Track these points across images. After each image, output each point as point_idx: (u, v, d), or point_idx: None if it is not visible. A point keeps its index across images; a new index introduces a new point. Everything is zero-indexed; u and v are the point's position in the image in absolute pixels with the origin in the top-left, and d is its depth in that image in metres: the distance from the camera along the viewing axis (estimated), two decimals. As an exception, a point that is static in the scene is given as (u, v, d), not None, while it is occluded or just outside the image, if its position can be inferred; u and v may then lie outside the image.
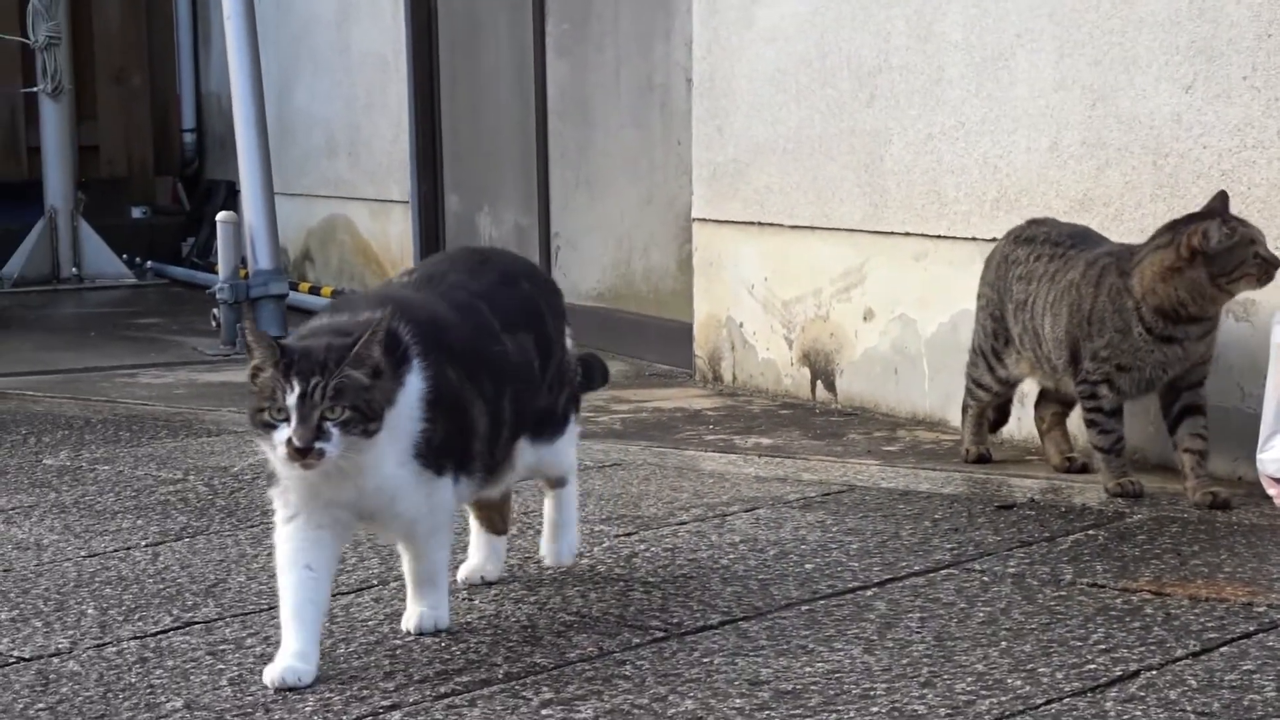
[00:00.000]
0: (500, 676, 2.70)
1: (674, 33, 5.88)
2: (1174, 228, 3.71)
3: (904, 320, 4.85)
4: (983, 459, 4.23)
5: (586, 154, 6.51)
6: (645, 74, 6.11)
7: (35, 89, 9.49)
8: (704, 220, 5.61)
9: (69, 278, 9.32)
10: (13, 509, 3.95)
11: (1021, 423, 4.38)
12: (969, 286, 4.50)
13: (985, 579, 3.18)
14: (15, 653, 2.89)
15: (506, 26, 7.03)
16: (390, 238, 7.93)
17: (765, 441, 4.66)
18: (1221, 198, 3.69)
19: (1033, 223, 4.11)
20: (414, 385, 2.74)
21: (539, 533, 3.29)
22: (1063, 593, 3.07)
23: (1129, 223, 4.07)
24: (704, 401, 5.33)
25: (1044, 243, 3.99)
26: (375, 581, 3.25)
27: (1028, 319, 3.97)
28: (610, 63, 6.32)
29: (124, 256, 9.53)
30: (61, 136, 9.49)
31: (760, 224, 5.35)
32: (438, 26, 7.58)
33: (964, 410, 4.27)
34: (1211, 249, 3.62)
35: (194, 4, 10.45)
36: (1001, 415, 4.32)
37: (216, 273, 6.93)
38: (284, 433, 2.61)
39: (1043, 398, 4.15)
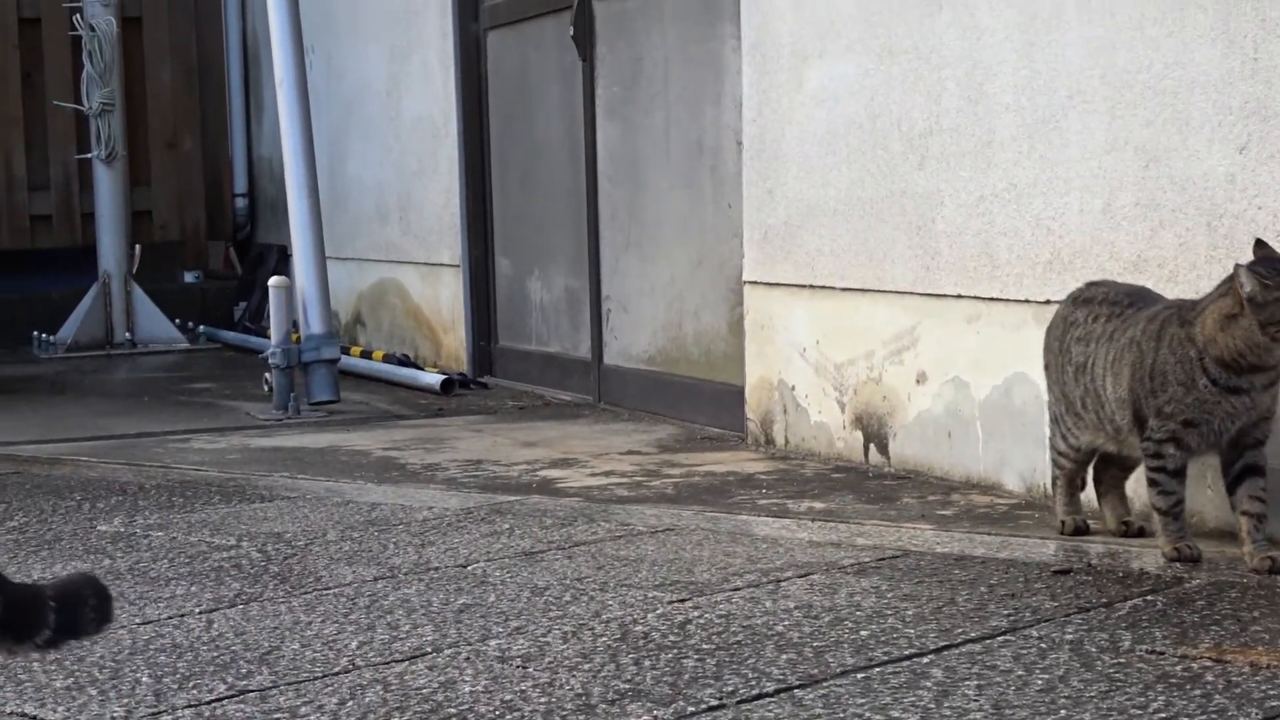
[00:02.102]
0: (555, 746, 2.69)
1: (724, 96, 5.89)
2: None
3: (957, 383, 4.83)
4: (1080, 530, 4.09)
5: (637, 217, 6.52)
6: (695, 137, 6.12)
7: (89, 155, 9.58)
8: (755, 283, 5.60)
9: (122, 343, 9.39)
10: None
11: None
12: (1022, 349, 4.48)
13: (1043, 645, 3.15)
14: (70, 722, 2.89)
15: (556, 91, 7.06)
16: (441, 301, 7.95)
17: (818, 506, 4.64)
18: (1259, 245, 3.67)
19: (1091, 284, 4.08)
20: None
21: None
22: (1121, 660, 3.04)
23: (1184, 284, 4.05)
24: (756, 465, 5.31)
25: (1102, 303, 3.95)
26: (429, 649, 3.24)
27: (1088, 381, 3.93)
28: (660, 126, 6.33)
29: (177, 321, 9.59)
30: (115, 202, 9.58)
31: (812, 286, 5.34)
32: (488, 92, 7.62)
33: (1053, 482, 4.19)
34: (1260, 298, 3.59)
35: (246, 70, 10.55)
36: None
37: (269, 337, 6.96)
38: None
39: (1101, 461, 4.11)
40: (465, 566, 3.94)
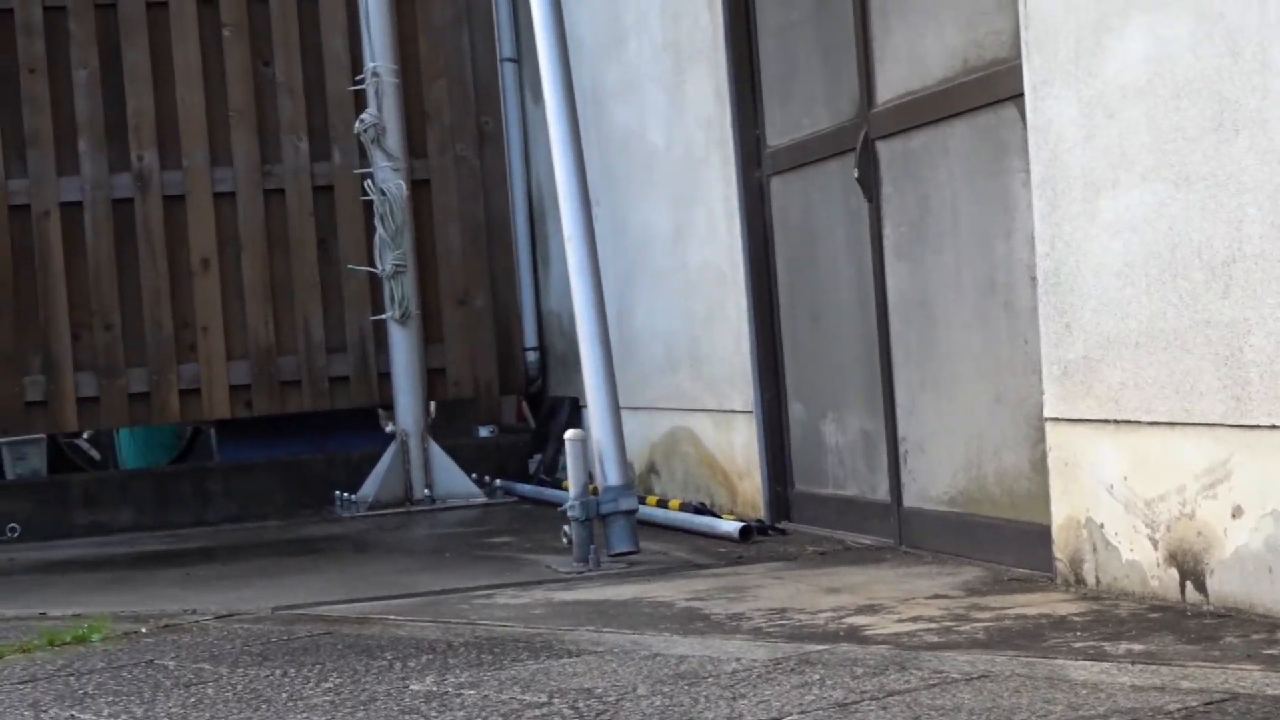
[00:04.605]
0: None
1: (1015, 231, 5.83)
2: None
3: (1276, 516, 4.67)
4: None
5: (931, 356, 6.46)
6: (987, 273, 6.05)
7: (384, 316, 9.83)
8: (1057, 419, 5.50)
9: (421, 499, 9.57)
10: (384, 738, 4.00)
11: None
12: (1346, 479, 4.33)
13: (1393, 793, 3.01)
14: None
15: (843, 234, 7.05)
16: (735, 448, 7.95)
17: (1137, 648, 4.51)
18: None
19: None
20: None
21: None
22: None
23: None
24: (1068, 606, 5.18)
25: None
26: (750, 808, 3.19)
27: None
28: (950, 263, 6.28)
29: (473, 476, 9.74)
30: (410, 361, 9.81)
31: (1116, 421, 5.23)
32: (774, 237, 7.65)
33: None
34: None
35: (531, 226, 10.75)
36: None
37: (563, 489, 7.01)
38: None
39: None
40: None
